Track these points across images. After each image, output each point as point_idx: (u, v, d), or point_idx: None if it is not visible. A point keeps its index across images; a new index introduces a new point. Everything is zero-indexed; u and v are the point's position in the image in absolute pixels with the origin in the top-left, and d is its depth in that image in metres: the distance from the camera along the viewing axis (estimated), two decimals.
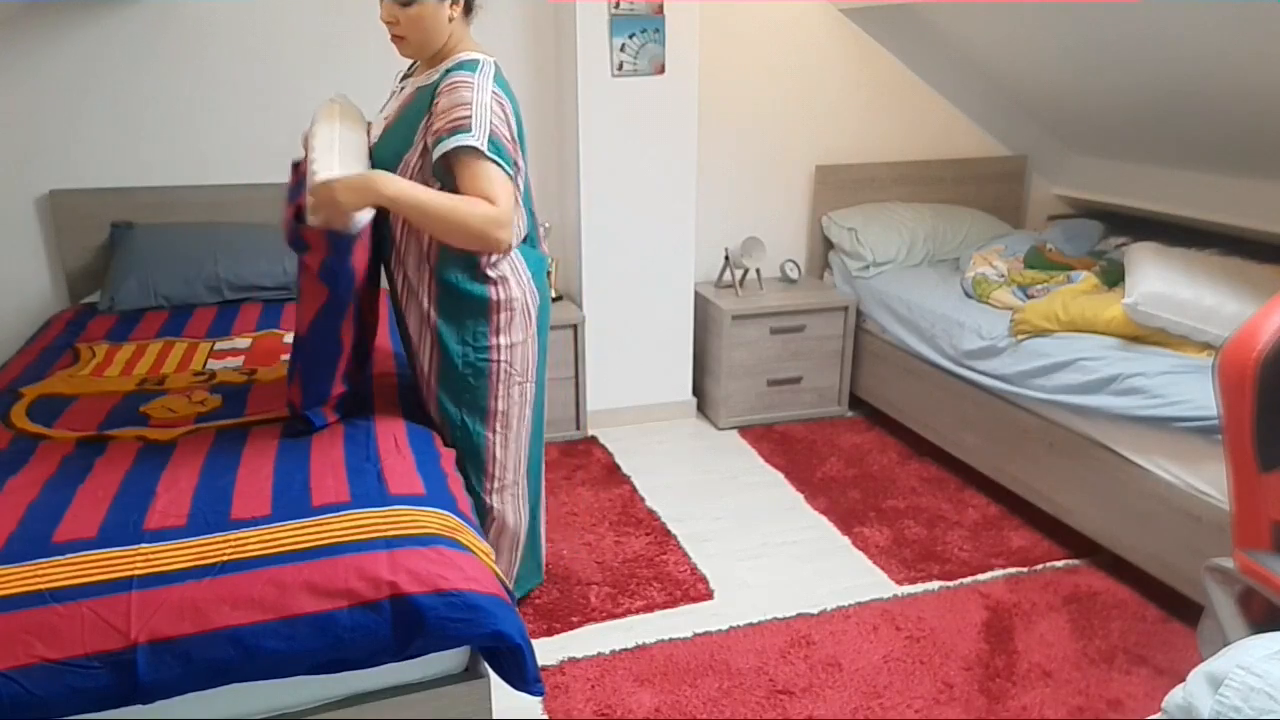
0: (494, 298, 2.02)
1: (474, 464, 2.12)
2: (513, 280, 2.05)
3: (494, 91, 1.91)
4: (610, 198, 3.41)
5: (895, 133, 4.01)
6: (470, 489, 2.08)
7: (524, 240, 2.14)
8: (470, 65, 1.93)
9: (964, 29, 3.57)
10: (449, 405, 2.07)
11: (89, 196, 3.13)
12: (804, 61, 3.79)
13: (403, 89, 2.06)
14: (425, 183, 1.90)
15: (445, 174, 1.89)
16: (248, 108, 3.23)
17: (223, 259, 3.01)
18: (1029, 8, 3.10)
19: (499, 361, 2.06)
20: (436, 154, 1.86)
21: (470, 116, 1.84)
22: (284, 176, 3.33)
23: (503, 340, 2.06)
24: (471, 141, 1.82)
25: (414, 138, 1.93)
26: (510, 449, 2.16)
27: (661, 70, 3.31)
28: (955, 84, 3.96)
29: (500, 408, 2.10)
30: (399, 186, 1.81)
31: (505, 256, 2.04)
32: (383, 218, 1.99)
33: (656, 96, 3.33)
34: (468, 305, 2.02)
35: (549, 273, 2.33)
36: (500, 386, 2.09)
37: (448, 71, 1.92)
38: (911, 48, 3.86)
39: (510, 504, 2.21)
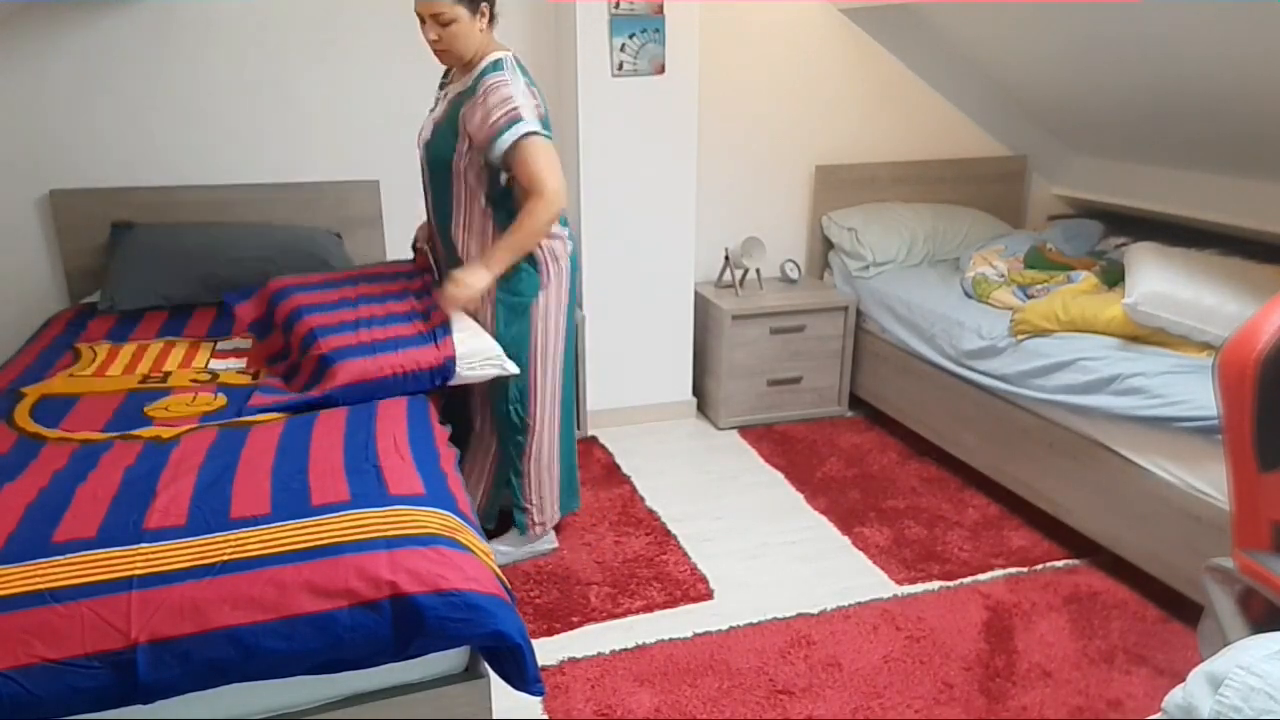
0: (541, 256, 2.45)
1: (519, 389, 2.53)
2: (557, 238, 2.47)
3: (526, 83, 2.32)
4: (610, 198, 3.41)
5: (895, 133, 4.01)
6: (514, 417, 2.53)
7: None
8: (498, 66, 2.29)
9: (964, 29, 3.57)
10: (503, 342, 2.43)
11: (89, 196, 3.13)
12: (804, 61, 3.79)
13: (445, 94, 2.43)
14: (473, 166, 2.33)
15: (504, 157, 2.28)
16: (248, 108, 3.24)
17: (223, 259, 3.01)
18: (1029, 8, 3.10)
19: (540, 304, 2.48)
20: (501, 147, 2.25)
21: (519, 107, 2.25)
22: (284, 176, 3.36)
23: (546, 283, 2.48)
24: (528, 128, 2.24)
25: (458, 133, 2.31)
26: (548, 378, 2.56)
27: (661, 70, 3.31)
28: (955, 84, 3.96)
29: (540, 343, 2.51)
30: (493, 259, 2.32)
31: None
32: (441, 192, 2.43)
33: (656, 96, 3.33)
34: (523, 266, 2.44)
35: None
36: (539, 323, 2.49)
37: (481, 75, 2.29)
38: (911, 48, 3.85)
39: (548, 426, 2.61)
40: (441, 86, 2.53)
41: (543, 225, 2.31)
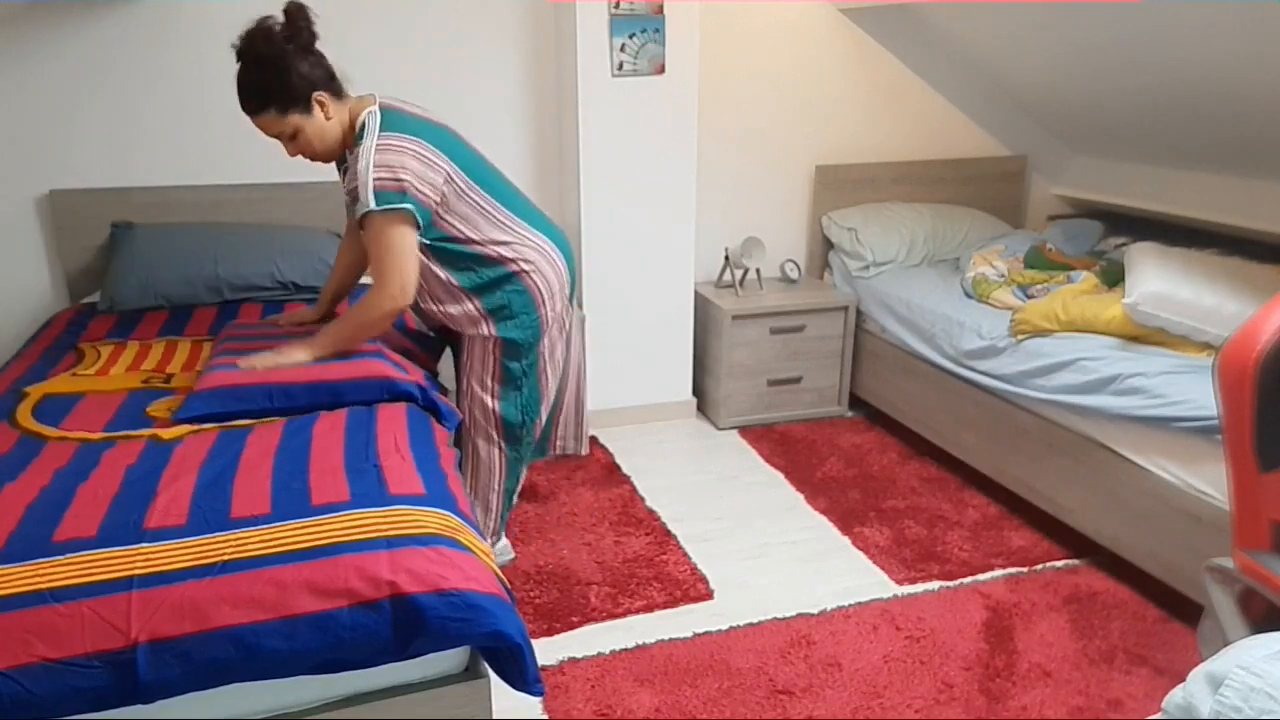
0: (537, 295, 2.36)
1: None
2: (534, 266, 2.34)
3: (380, 142, 2.07)
4: (610, 198, 3.41)
5: (895, 133, 4.01)
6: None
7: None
8: (359, 136, 2.11)
9: (964, 29, 3.57)
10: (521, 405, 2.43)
11: (89, 196, 3.13)
12: (804, 61, 3.79)
13: (345, 171, 2.24)
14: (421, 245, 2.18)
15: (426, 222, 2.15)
16: None
17: (223, 259, 3.00)
18: (1029, 8, 3.10)
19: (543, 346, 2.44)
20: (361, 221, 2.10)
21: (359, 184, 2.05)
22: (284, 176, 3.36)
23: (545, 324, 2.40)
24: (363, 209, 2.05)
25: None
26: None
27: (661, 70, 3.31)
28: (955, 84, 3.96)
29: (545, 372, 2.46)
30: (323, 340, 2.17)
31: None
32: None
33: (656, 96, 3.33)
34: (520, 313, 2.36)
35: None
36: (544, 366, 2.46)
37: (355, 147, 2.11)
38: (911, 48, 3.86)
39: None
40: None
41: (377, 321, 2.15)
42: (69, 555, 1.49)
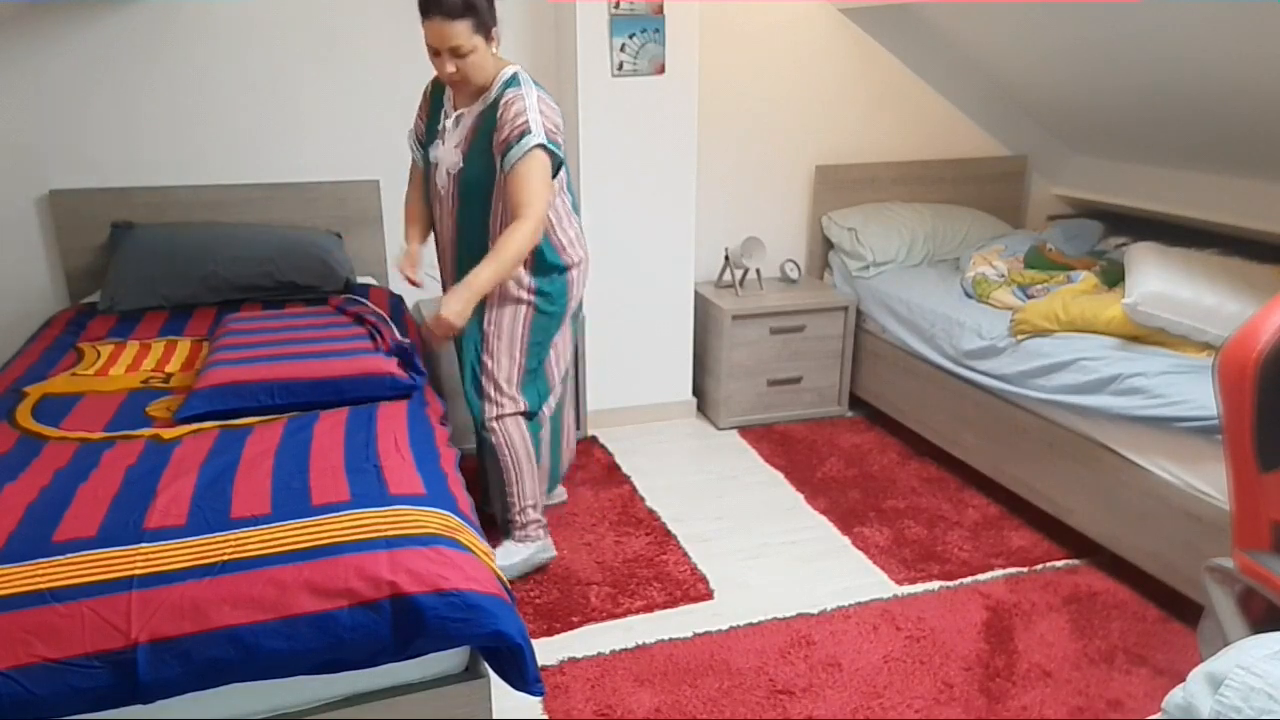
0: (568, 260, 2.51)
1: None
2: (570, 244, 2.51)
3: (540, 94, 2.29)
4: (610, 198, 3.41)
5: (895, 133, 4.01)
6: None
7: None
8: (514, 81, 2.29)
9: (964, 29, 3.57)
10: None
11: (89, 196, 3.13)
12: (804, 61, 3.79)
13: (460, 117, 2.38)
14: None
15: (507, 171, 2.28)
16: (247, 107, 3.23)
17: (223, 259, 3.01)
18: (1029, 8, 3.10)
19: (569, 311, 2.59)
20: (510, 162, 2.23)
21: (529, 120, 2.22)
22: (283, 176, 3.36)
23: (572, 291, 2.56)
24: (535, 140, 2.22)
25: (493, 154, 2.30)
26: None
27: (661, 70, 3.31)
28: (955, 84, 3.96)
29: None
30: (479, 282, 2.24)
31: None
32: (477, 216, 2.41)
33: (656, 96, 3.33)
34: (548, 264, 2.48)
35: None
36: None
37: (502, 92, 2.28)
38: (911, 48, 3.86)
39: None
40: (436, 113, 2.47)
41: (525, 250, 2.27)
42: (69, 555, 1.49)
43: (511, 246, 2.23)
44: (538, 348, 2.52)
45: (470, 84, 2.30)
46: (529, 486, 2.55)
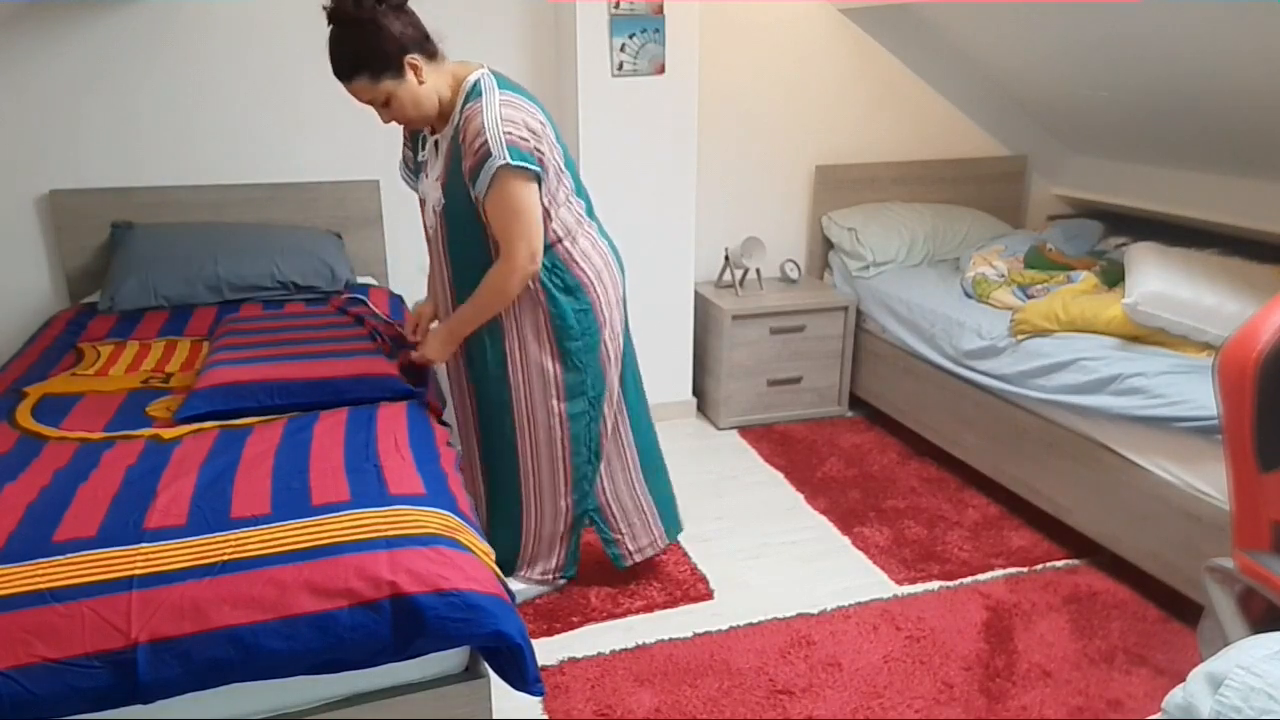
0: (586, 281, 2.25)
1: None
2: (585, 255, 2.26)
3: (503, 98, 2.01)
4: (610, 198, 3.40)
5: (895, 133, 4.01)
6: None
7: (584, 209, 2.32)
8: (474, 92, 2.03)
9: (964, 29, 3.57)
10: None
11: (89, 196, 3.13)
12: (804, 61, 3.79)
13: (435, 148, 2.17)
14: None
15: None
16: (248, 108, 3.23)
17: (223, 259, 3.01)
18: (1029, 8, 3.10)
19: (604, 342, 2.33)
20: (479, 193, 2.01)
21: (486, 139, 1.96)
22: (283, 176, 3.36)
23: (603, 320, 2.30)
24: (497, 162, 1.96)
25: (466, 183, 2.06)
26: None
27: (661, 70, 3.31)
28: (955, 84, 3.96)
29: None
30: (458, 325, 2.17)
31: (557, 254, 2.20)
32: (470, 250, 2.17)
33: (656, 96, 3.33)
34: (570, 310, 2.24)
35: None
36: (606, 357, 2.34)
37: (461, 111, 2.04)
38: (911, 48, 3.86)
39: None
40: (418, 141, 2.25)
41: (507, 291, 2.09)
42: (69, 555, 1.49)
43: (488, 288, 2.10)
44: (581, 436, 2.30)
45: (418, 119, 2.08)
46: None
